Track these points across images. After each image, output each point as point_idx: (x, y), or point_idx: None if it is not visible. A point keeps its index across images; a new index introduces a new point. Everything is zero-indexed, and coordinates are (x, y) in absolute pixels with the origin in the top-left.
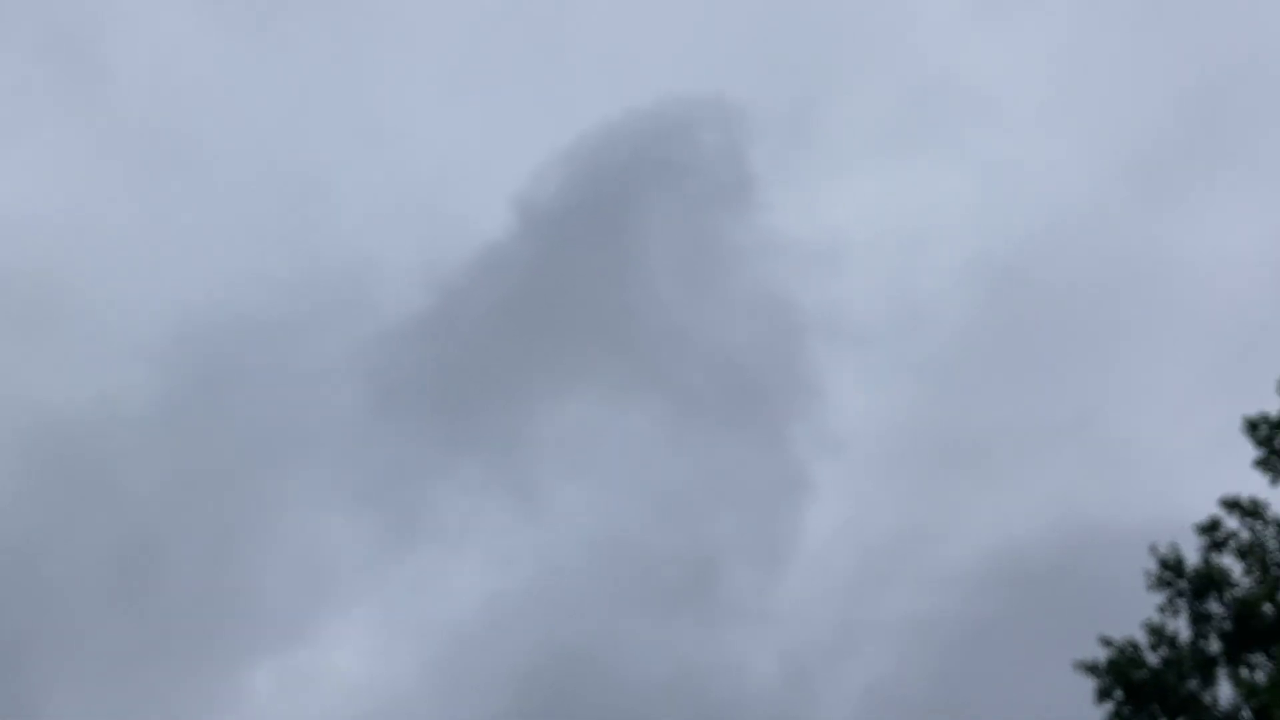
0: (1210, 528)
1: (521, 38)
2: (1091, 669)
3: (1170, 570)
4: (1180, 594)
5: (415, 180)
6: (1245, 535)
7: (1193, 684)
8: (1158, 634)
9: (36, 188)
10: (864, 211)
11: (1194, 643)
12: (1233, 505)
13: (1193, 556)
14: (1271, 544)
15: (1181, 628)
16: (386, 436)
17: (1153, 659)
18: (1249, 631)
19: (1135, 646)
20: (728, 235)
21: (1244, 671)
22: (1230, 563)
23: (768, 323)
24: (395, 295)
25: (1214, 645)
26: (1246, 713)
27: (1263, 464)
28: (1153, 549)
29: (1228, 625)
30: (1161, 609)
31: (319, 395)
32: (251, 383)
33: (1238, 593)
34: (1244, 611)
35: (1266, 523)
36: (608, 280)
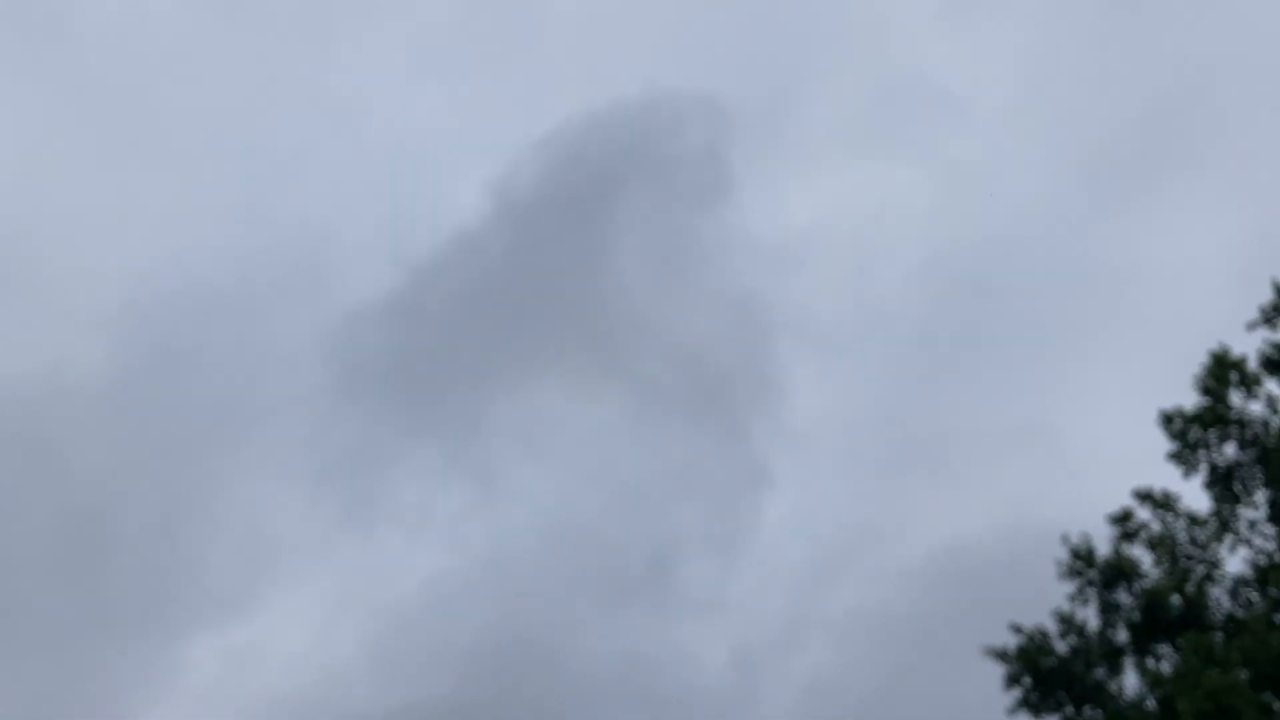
0: (1122, 519)
1: (499, 22)
2: (1000, 655)
3: (1081, 560)
4: (1090, 583)
5: (383, 159)
6: (1156, 527)
7: (1100, 673)
8: (1067, 622)
9: None
10: (828, 208)
11: (1102, 632)
12: (1145, 497)
13: (1105, 548)
14: (1182, 536)
15: (1091, 617)
16: (345, 416)
17: (1061, 647)
18: (1156, 622)
19: (1044, 634)
20: (697, 230)
21: (1150, 662)
22: (1141, 554)
23: (732, 318)
24: (359, 275)
25: (1122, 635)
26: (1151, 702)
27: (1176, 457)
28: (1064, 539)
29: (1136, 615)
30: (1071, 598)
31: (275, 371)
32: (205, 356)
33: (1147, 583)
34: (1152, 602)
35: (1178, 515)
36: (577, 270)
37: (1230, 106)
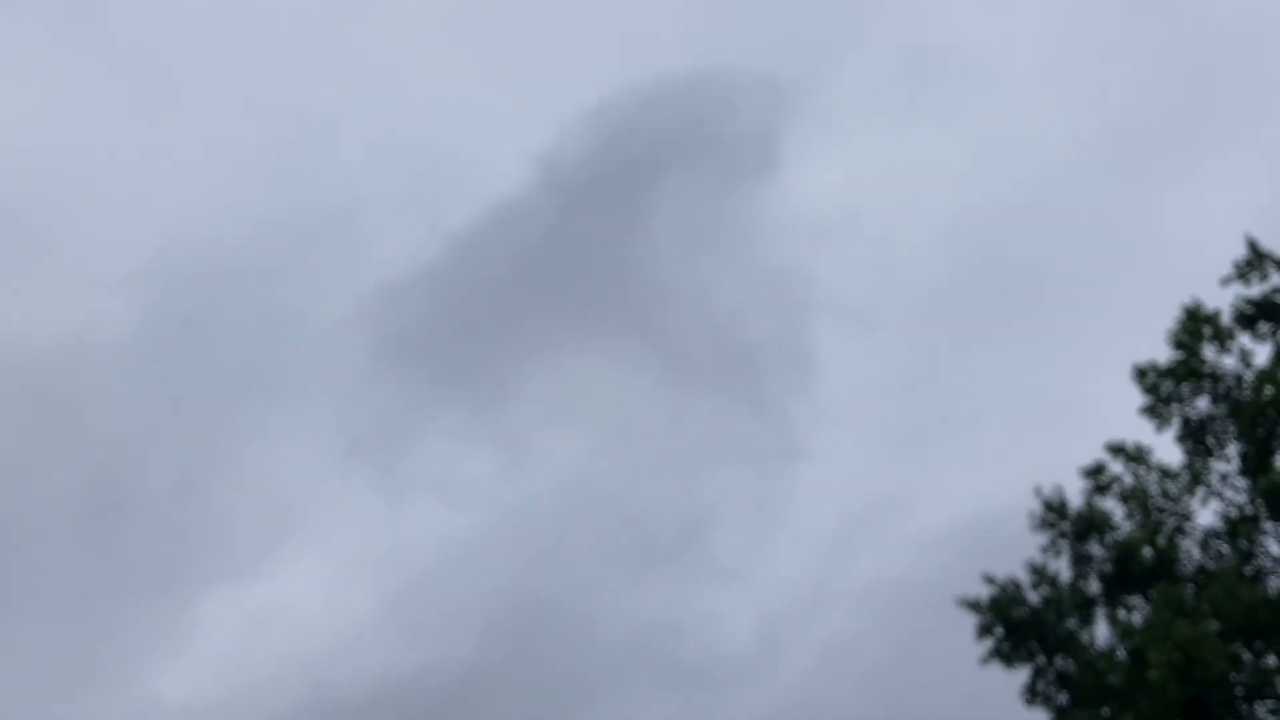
0: (1095, 472)
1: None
2: (973, 606)
3: (1054, 512)
4: (1063, 535)
5: (417, 126)
6: (1129, 480)
7: (1071, 623)
8: (1039, 573)
9: (20, 114)
10: (860, 178)
11: (1074, 583)
12: (1118, 450)
13: (1078, 500)
14: (1154, 489)
15: (1063, 568)
16: (373, 380)
17: (1033, 598)
18: (1128, 574)
19: (1017, 585)
20: (733, 203)
21: (1121, 613)
22: (1113, 506)
23: (766, 290)
24: (389, 241)
25: (1094, 586)
26: (1122, 653)
27: (1149, 411)
28: (1037, 491)
29: (1108, 567)
30: (1044, 550)
31: (300, 336)
32: (230, 320)
33: (1118, 536)
34: (1124, 554)
35: (1150, 468)
36: (615, 241)
37: (1258, 77)
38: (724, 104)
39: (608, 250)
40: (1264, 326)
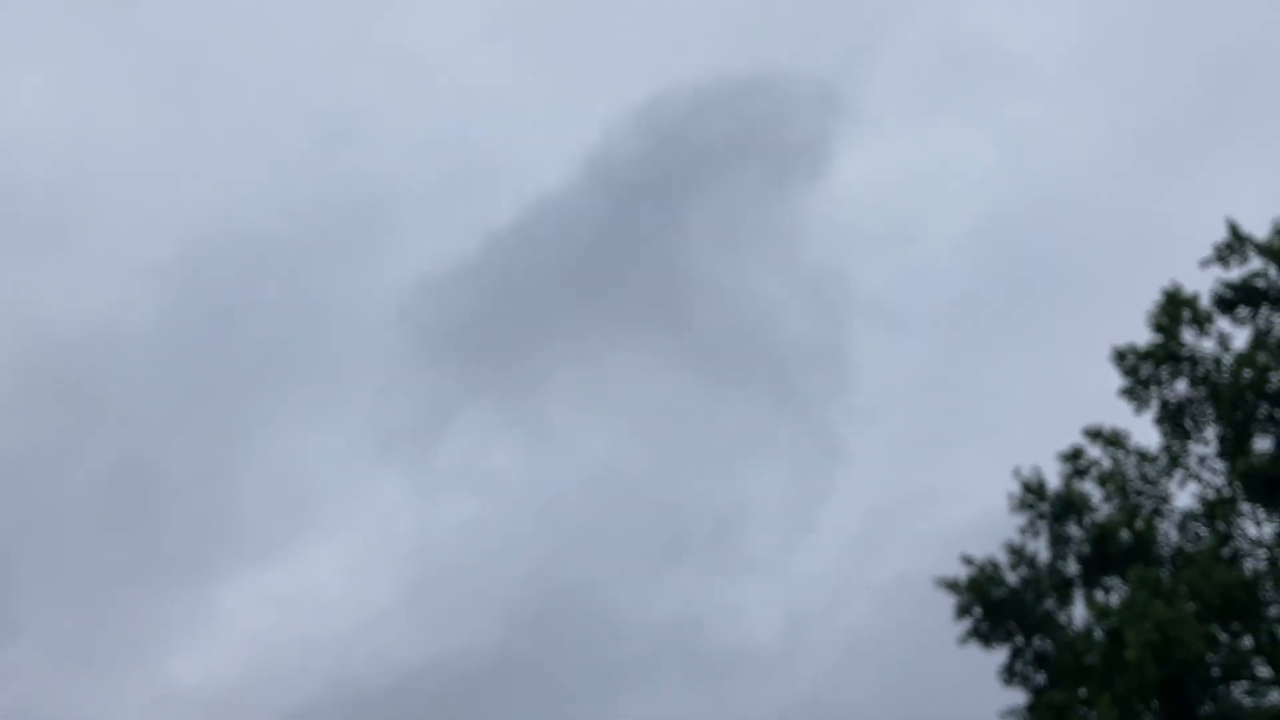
0: (1073, 456)
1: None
2: (952, 586)
3: (1032, 493)
4: (1041, 516)
5: (464, 123)
6: (1107, 464)
7: (1049, 604)
8: (1018, 554)
9: (57, 100)
10: (897, 176)
11: (1052, 564)
12: (1095, 435)
13: (1057, 484)
14: (1132, 472)
15: (1041, 549)
16: (405, 370)
17: (1012, 579)
18: (1106, 555)
19: (995, 566)
20: (773, 202)
21: (1099, 594)
22: (1091, 489)
23: (803, 289)
24: (429, 235)
25: (1072, 567)
26: (1099, 633)
27: (1128, 393)
28: (1016, 472)
29: (1086, 548)
30: (1023, 531)
31: (330, 324)
32: (259, 309)
33: (1097, 517)
34: (1102, 536)
35: (1128, 452)
36: (656, 239)
37: None
38: (770, 104)
39: (648, 248)
40: (1243, 311)
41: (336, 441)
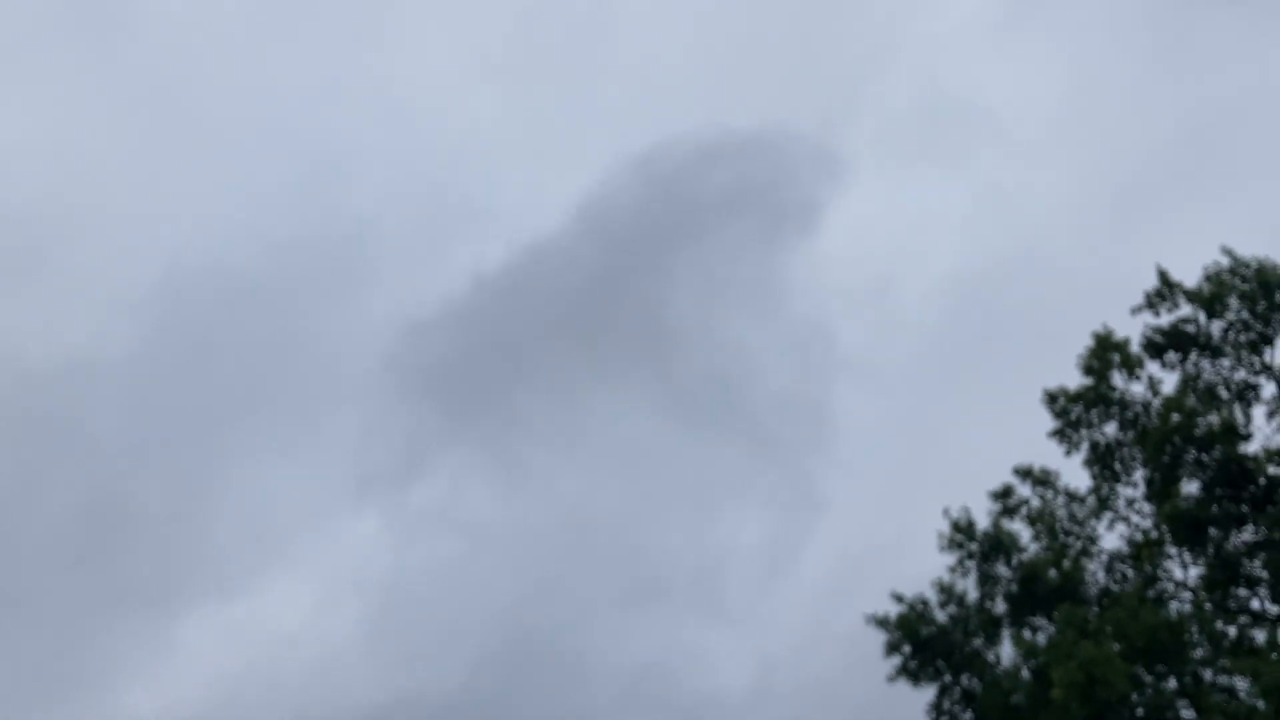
0: (1003, 494)
1: (570, 38)
2: (881, 623)
3: (961, 533)
4: (970, 556)
5: (435, 162)
6: (1036, 503)
7: (977, 642)
8: (947, 592)
9: (39, 129)
10: (872, 227)
11: (981, 602)
12: (1025, 474)
13: (986, 521)
14: (1061, 512)
15: (970, 588)
16: (379, 408)
17: (941, 617)
18: (1033, 595)
19: (925, 603)
20: (764, 257)
21: (1026, 633)
22: (1020, 529)
23: (788, 343)
24: (409, 274)
25: (1000, 606)
26: (1026, 672)
27: (1058, 435)
28: (945, 512)
29: (1014, 588)
30: (952, 569)
31: (306, 362)
32: (235, 343)
33: (1025, 557)
34: (1030, 575)
35: (1057, 492)
36: (644, 288)
37: (1256, 139)
38: (764, 160)
39: (636, 296)
40: (1172, 356)
41: (309, 479)
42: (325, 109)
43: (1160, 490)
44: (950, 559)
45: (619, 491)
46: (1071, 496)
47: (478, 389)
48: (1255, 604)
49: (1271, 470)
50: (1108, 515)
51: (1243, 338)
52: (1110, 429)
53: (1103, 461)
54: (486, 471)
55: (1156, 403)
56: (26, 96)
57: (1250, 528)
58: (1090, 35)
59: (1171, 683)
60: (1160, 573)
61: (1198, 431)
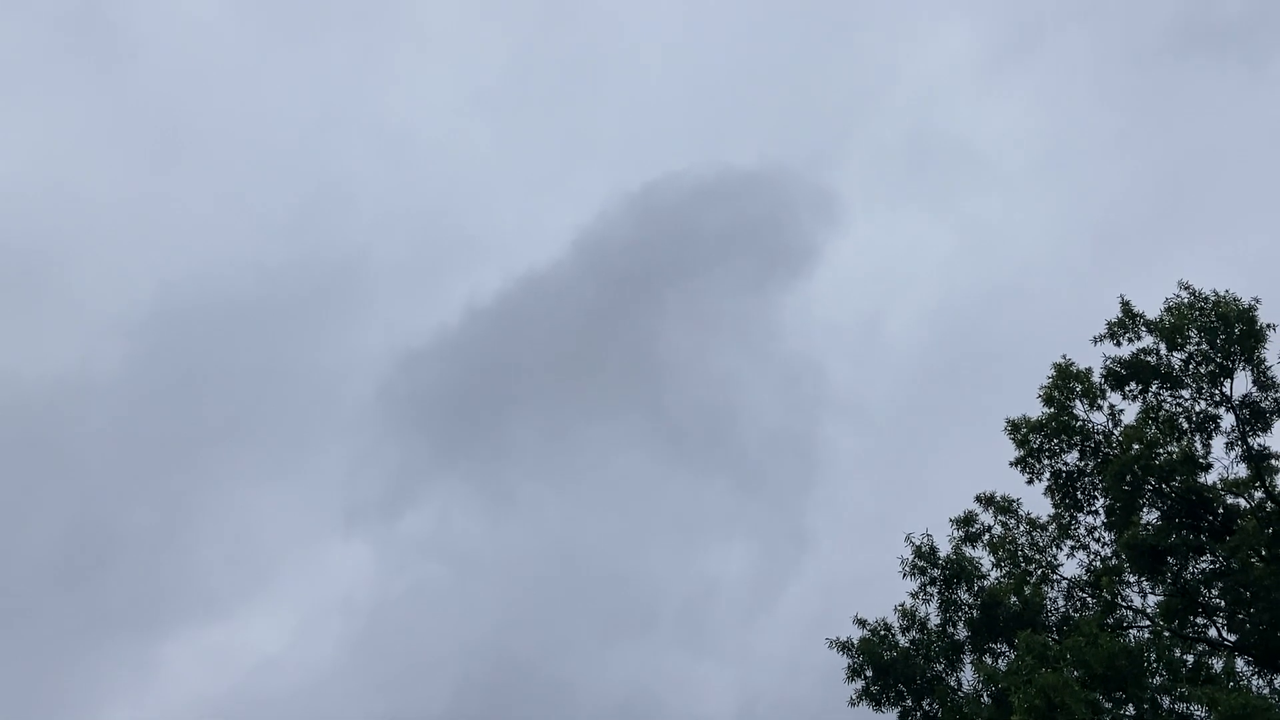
0: (965, 521)
1: (565, 75)
2: (844, 647)
3: (924, 559)
4: (933, 581)
5: (432, 194)
6: (998, 530)
7: (939, 667)
8: (909, 617)
9: (39, 155)
10: (861, 264)
11: (943, 628)
12: (988, 501)
13: (949, 547)
14: (1022, 540)
15: (932, 613)
16: (369, 435)
17: (903, 641)
18: (994, 621)
19: (887, 628)
20: (748, 293)
21: (987, 658)
22: (982, 555)
23: (775, 377)
24: (403, 304)
25: (962, 632)
26: (987, 698)
27: (1019, 463)
28: (908, 538)
29: (975, 614)
30: (914, 595)
31: (296, 389)
32: (225, 369)
33: (986, 583)
34: (991, 601)
35: (1019, 520)
36: (638, 322)
37: (1231, 182)
38: (760, 200)
39: (629, 330)
40: (1133, 386)
41: (296, 504)
42: (322, 139)
43: (1120, 519)
44: (913, 585)
45: (606, 522)
46: (1033, 524)
47: (468, 418)
48: (1213, 632)
49: (1230, 500)
50: (1068, 543)
51: (1203, 369)
52: (1072, 458)
53: (1064, 490)
54: (475, 500)
55: (1117, 432)
56: (24, 122)
57: (1208, 557)
58: (1075, 81)
59: (1130, 709)
60: (1119, 600)
61: (1158, 461)
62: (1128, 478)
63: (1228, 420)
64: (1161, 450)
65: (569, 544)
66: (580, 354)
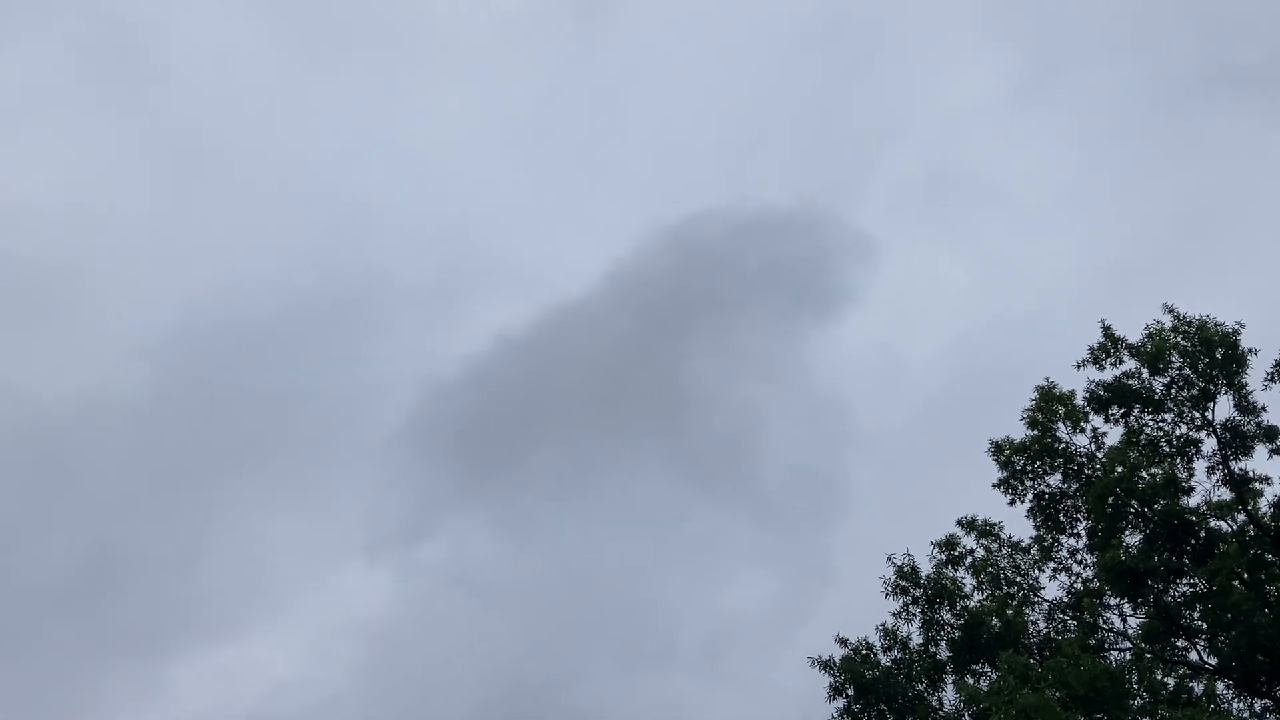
0: (947, 545)
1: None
2: (825, 665)
3: (906, 579)
4: (915, 601)
5: (448, 221)
6: (980, 553)
7: (921, 686)
8: (891, 636)
9: (64, 178)
10: (890, 300)
11: (925, 647)
12: (970, 525)
13: (930, 568)
14: (1004, 562)
15: (914, 633)
16: (386, 459)
17: (885, 660)
18: (976, 641)
19: (869, 647)
20: (779, 328)
21: (969, 679)
22: (964, 577)
23: (803, 412)
24: (432, 333)
25: (943, 652)
26: (968, 718)
27: (1002, 484)
28: (890, 559)
29: (957, 634)
30: (896, 614)
31: (314, 413)
32: (245, 392)
33: (969, 604)
34: (973, 622)
35: (1001, 543)
36: (669, 356)
37: (1252, 220)
38: (792, 237)
39: (660, 362)
40: (1116, 410)
41: (312, 529)
42: (348, 164)
43: (1102, 541)
44: (895, 604)
45: (625, 551)
46: (1014, 547)
47: (492, 446)
48: (1194, 655)
49: (1212, 524)
50: (1050, 565)
51: (1185, 394)
52: (1054, 480)
53: (1046, 512)
54: (494, 527)
55: (1100, 455)
56: (51, 143)
57: (1190, 580)
58: (1096, 118)
59: None
60: (1101, 622)
61: (1140, 484)
62: (1110, 500)
63: (1209, 444)
64: (1144, 473)
65: (587, 572)
66: (608, 385)
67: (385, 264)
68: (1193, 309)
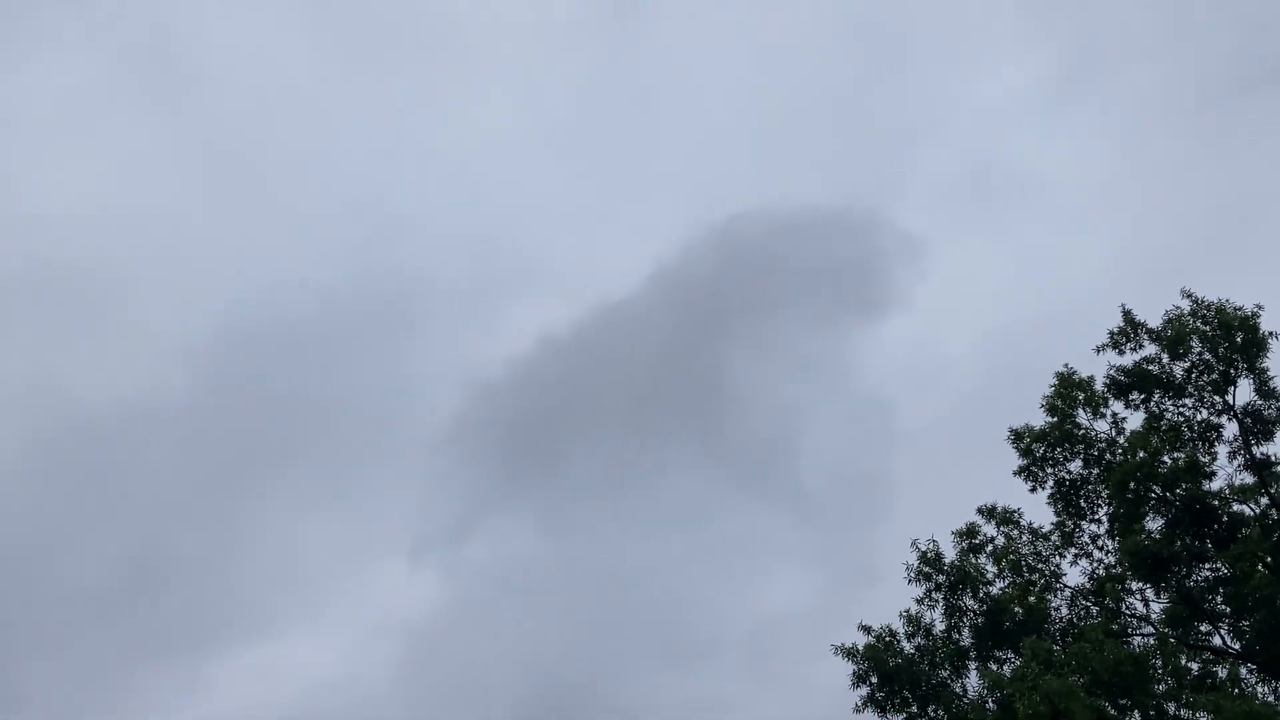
0: (968, 533)
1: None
2: (848, 653)
3: (929, 566)
4: (938, 588)
5: (488, 223)
6: (1001, 541)
7: (944, 673)
8: (915, 623)
9: (105, 184)
10: (936, 297)
11: (947, 634)
12: (990, 513)
13: (953, 555)
14: (1025, 549)
15: (937, 620)
16: (430, 461)
17: (908, 648)
18: (999, 628)
19: (892, 634)
20: (825, 328)
21: (992, 665)
22: (987, 564)
23: (849, 412)
24: (476, 334)
25: (966, 638)
26: (992, 704)
27: (1023, 472)
28: (914, 544)
29: (980, 620)
30: (919, 601)
31: (359, 415)
32: (288, 396)
33: (991, 591)
34: (996, 609)
35: (1022, 530)
36: (715, 356)
37: None
38: (838, 237)
39: (700, 362)
40: (1136, 395)
41: (354, 528)
42: (389, 167)
43: (1124, 527)
44: (918, 591)
45: (668, 549)
46: (1035, 534)
47: (535, 447)
48: (1216, 640)
49: (1234, 508)
50: (1071, 551)
51: (1205, 379)
52: (1075, 466)
53: (1067, 498)
54: (536, 526)
55: (1121, 440)
56: (92, 148)
57: (1212, 564)
58: (1137, 114)
59: (1135, 716)
60: (1123, 608)
61: (1161, 469)
62: (1131, 485)
63: (1230, 429)
64: (1166, 458)
65: (629, 571)
66: (650, 385)
67: (428, 266)
68: (1217, 294)
